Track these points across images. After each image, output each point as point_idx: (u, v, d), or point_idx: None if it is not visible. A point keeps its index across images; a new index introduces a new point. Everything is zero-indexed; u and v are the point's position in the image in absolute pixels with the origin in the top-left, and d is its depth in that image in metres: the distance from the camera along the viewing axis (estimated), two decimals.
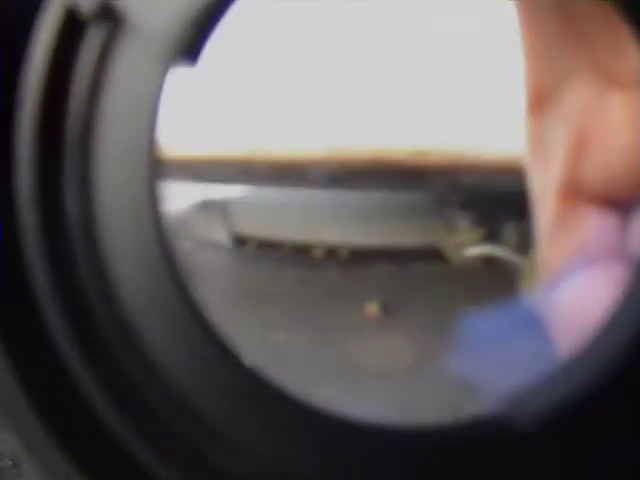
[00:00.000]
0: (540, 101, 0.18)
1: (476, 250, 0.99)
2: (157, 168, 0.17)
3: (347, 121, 0.88)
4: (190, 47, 0.17)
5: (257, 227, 1.09)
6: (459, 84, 0.89)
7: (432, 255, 0.99)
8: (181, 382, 0.16)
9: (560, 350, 0.18)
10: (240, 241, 1.07)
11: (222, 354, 0.16)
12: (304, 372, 0.77)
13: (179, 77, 0.18)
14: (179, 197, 0.98)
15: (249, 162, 0.79)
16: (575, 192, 0.17)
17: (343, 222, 1.08)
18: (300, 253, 1.05)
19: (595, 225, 0.17)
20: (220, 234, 1.08)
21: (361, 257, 1.05)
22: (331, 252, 1.04)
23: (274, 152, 0.78)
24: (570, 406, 0.15)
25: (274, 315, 0.94)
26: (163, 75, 0.17)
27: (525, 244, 0.94)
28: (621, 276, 0.16)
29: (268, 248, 1.07)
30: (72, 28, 0.16)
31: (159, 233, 0.16)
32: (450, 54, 0.87)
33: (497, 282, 0.89)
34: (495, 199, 0.93)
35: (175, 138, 0.77)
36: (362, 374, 0.83)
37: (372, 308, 0.94)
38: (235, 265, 1.06)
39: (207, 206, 1.06)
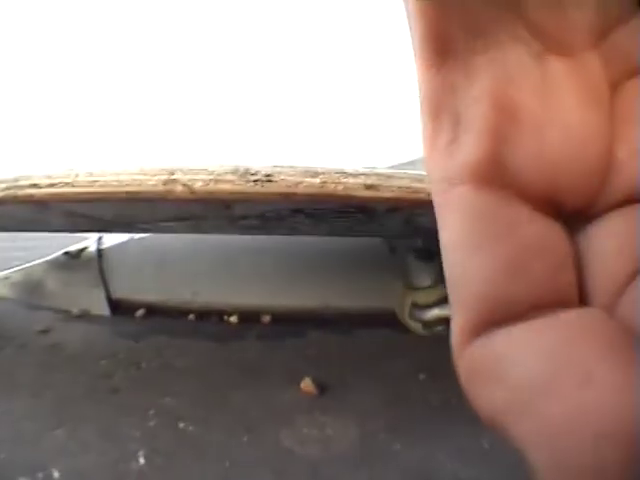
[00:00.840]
0: (445, 49, 0.14)
1: (439, 312, 0.93)
2: None
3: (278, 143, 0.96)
4: None
5: (146, 288, 1.00)
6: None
7: (383, 319, 0.93)
8: None
9: None
10: (122, 308, 0.97)
11: None
12: (219, 464, 0.70)
13: None
14: (27, 250, 0.89)
15: (132, 197, 0.57)
16: (499, 180, 0.13)
17: (266, 278, 0.99)
18: (209, 321, 0.96)
19: (534, 235, 0.13)
20: (93, 300, 0.97)
21: (289, 324, 0.95)
22: (250, 318, 0.97)
23: (169, 181, 0.57)
24: None
25: (178, 400, 0.83)
26: None
27: None
28: (600, 333, 0.12)
29: (164, 316, 0.97)
30: None
31: None
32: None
33: None
34: None
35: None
36: (293, 466, 0.73)
37: (305, 386, 0.85)
38: (116, 340, 0.92)
39: (71, 261, 0.96)
